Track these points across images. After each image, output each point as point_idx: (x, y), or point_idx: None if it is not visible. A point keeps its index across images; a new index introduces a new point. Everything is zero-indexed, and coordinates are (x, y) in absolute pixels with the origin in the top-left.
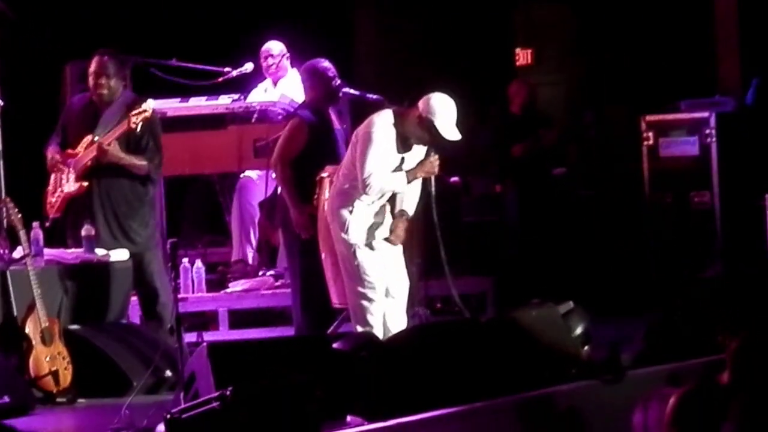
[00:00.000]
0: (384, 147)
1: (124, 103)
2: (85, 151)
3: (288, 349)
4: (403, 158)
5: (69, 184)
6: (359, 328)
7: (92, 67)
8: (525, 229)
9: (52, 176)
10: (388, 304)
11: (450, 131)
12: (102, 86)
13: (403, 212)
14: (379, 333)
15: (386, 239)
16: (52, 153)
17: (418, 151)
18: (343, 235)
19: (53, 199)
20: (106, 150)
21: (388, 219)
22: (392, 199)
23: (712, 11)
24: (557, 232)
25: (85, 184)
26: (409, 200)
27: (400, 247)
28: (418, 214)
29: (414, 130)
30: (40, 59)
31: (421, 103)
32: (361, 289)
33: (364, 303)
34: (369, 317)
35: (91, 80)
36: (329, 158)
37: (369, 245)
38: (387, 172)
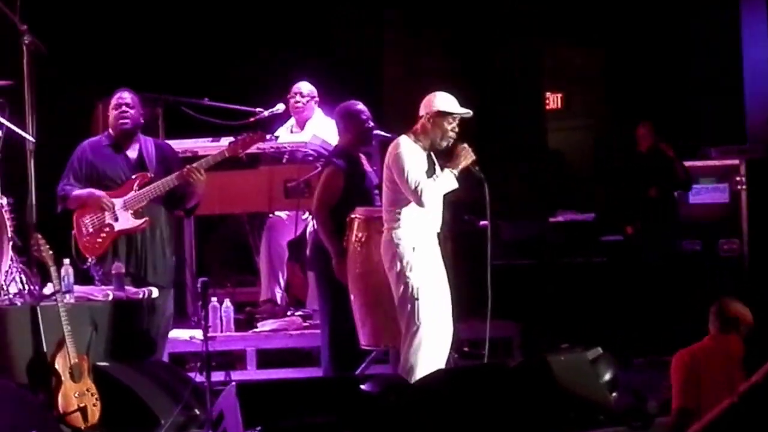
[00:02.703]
0: (417, 158)
1: (155, 144)
2: (141, 189)
3: (316, 389)
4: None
5: (123, 221)
6: (409, 368)
7: (114, 101)
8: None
9: (88, 217)
10: (434, 347)
11: (458, 109)
12: (125, 116)
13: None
14: (423, 373)
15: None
16: (95, 193)
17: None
18: (407, 273)
19: (100, 239)
20: (200, 177)
21: (440, 260)
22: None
23: (740, 57)
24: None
25: (146, 219)
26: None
27: (448, 294)
28: (449, 256)
29: (431, 134)
30: (73, 97)
31: (420, 110)
32: (414, 329)
33: (416, 341)
34: (420, 356)
35: (113, 113)
36: (363, 202)
37: (428, 286)
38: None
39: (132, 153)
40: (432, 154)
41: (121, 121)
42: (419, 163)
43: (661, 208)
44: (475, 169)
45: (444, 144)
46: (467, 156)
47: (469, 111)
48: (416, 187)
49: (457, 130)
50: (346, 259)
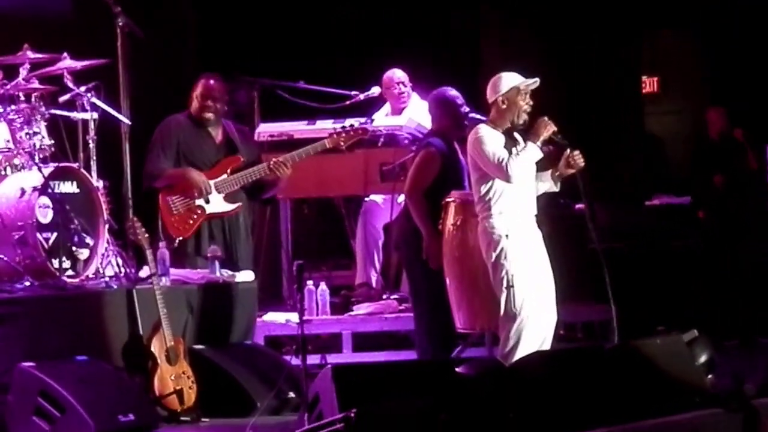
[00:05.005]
0: (497, 139)
1: (236, 128)
2: (233, 174)
3: (412, 372)
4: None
5: (215, 204)
6: (508, 353)
7: (199, 89)
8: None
9: (178, 197)
10: (533, 332)
11: (525, 80)
12: (209, 108)
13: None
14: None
15: (567, 166)
16: (190, 171)
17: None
18: (503, 261)
19: (191, 221)
20: (286, 171)
21: (541, 245)
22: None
23: None
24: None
25: (240, 205)
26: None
27: (550, 278)
28: (548, 239)
29: (508, 115)
30: (168, 79)
31: (490, 96)
32: (512, 315)
33: (514, 329)
34: (519, 342)
35: (197, 102)
36: (456, 186)
37: (524, 273)
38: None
39: (218, 135)
40: (516, 137)
41: (206, 114)
42: (500, 142)
43: (730, 195)
44: (558, 138)
45: (522, 121)
46: (548, 127)
47: (536, 79)
48: (500, 163)
49: (531, 103)
50: (438, 240)
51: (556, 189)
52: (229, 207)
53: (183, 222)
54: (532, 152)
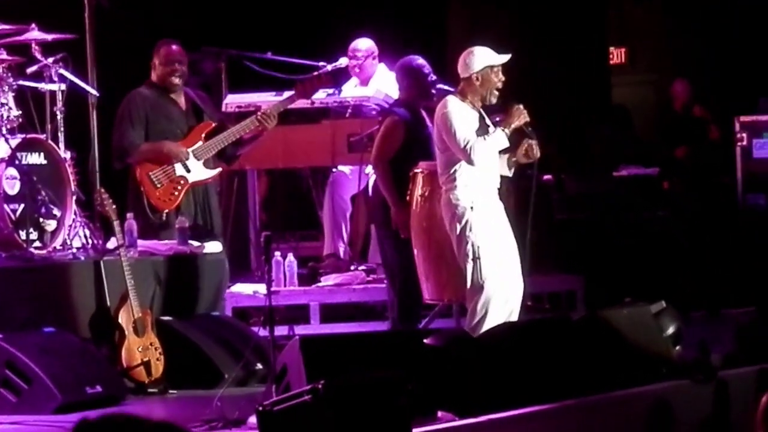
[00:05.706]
0: (465, 116)
1: (195, 93)
2: (208, 139)
3: (380, 343)
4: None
5: (196, 172)
6: (475, 325)
7: (162, 56)
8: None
9: (159, 170)
10: (500, 303)
11: (503, 57)
12: (176, 71)
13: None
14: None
15: (525, 156)
16: (166, 144)
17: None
18: (468, 233)
19: (176, 192)
20: (273, 122)
21: (504, 217)
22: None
23: None
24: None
25: (220, 170)
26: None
27: (514, 249)
28: (512, 211)
29: (480, 91)
30: (134, 51)
31: (462, 71)
32: (479, 287)
33: (481, 300)
34: (486, 314)
35: (162, 68)
36: (424, 155)
37: (489, 244)
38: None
39: (182, 102)
40: (482, 112)
41: (173, 78)
42: (468, 121)
43: (694, 166)
44: (528, 130)
45: (494, 98)
46: (521, 116)
47: (509, 55)
48: (465, 146)
49: (503, 79)
50: (405, 209)
51: (509, 174)
52: (210, 173)
53: (168, 194)
54: (499, 140)
